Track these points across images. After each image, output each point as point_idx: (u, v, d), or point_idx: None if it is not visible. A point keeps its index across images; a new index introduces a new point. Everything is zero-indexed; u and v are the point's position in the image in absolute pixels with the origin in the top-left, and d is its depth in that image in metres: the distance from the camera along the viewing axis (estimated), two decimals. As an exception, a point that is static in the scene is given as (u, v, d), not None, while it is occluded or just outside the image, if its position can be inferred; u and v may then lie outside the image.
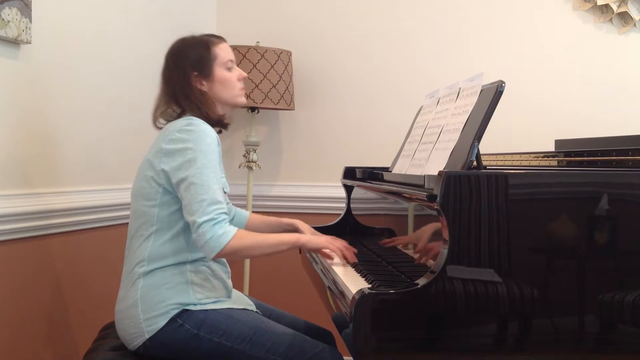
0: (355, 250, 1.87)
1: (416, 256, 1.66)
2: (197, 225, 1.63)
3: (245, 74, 1.89)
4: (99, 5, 2.31)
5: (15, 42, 1.90)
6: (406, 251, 1.77)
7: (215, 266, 1.80)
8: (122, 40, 2.45)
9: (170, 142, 1.70)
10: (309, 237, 1.84)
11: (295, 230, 2.06)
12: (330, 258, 1.87)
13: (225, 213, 1.68)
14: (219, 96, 1.84)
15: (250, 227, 2.10)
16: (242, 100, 1.89)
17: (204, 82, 1.82)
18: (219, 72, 1.83)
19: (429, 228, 1.55)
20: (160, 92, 1.86)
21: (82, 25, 2.22)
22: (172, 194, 1.72)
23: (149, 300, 1.69)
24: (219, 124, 1.86)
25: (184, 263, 1.73)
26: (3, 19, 1.81)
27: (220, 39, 1.87)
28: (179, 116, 1.82)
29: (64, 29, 2.13)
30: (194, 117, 1.75)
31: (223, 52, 1.84)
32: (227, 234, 1.64)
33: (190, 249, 1.73)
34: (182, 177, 1.67)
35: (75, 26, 2.18)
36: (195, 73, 1.81)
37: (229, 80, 1.84)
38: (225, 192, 1.78)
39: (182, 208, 1.70)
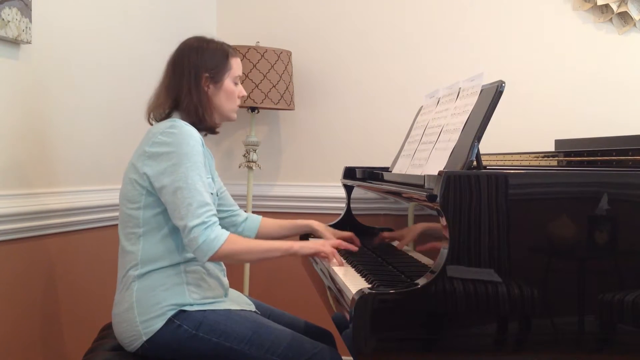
0: (353, 247, 1.86)
1: (414, 252, 1.66)
2: (189, 229, 1.62)
3: (245, 93, 1.92)
4: (99, 5, 2.31)
5: (15, 42, 1.90)
6: (406, 251, 1.77)
7: (210, 265, 1.79)
8: (122, 40, 2.45)
9: (153, 145, 1.70)
10: (302, 244, 1.83)
11: (312, 231, 2.07)
12: (327, 261, 1.86)
13: (215, 215, 1.67)
14: (218, 105, 1.84)
15: (263, 231, 2.08)
16: (234, 116, 1.91)
17: (211, 87, 1.82)
18: (228, 83, 1.84)
19: (427, 225, 1.55)
20: (161, 84, 1.85)
21: (82, 25, 2.22)
22: (155, 196, 1.70)
23: (145, 303, 1.69)
24: (209, 130, 1.86)
25: (178, 264, 1.73)
26: (3, 19, 1.81)
27: (237, 52, 1.91)
28: (166, 117, 1.81)
29: (64, 29, 2.13)
30: (177, 119, 1.74)
31: (236, 66, 1.87)
32: (219, 237, 1.63)
33: (181, 250, 1.73)
34: (166, 181, 1.66)
35: (75, 26, 2.18)
36: (207, 75, 1.81)
37: (232, 94, 1.86)
38: (211, 194, 1.76)
39: (166, 210, 1.69)
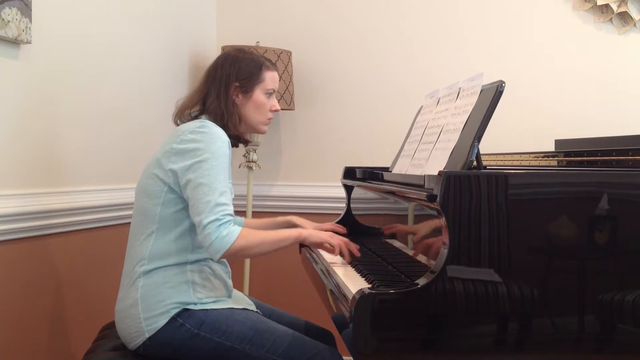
0: (357, 247, 1.87)
1: (414, 252, 1.66)
2: (203, 226, 1.63)
3: (278, 107, 1.93)
4: (99, 5, 2.31)
5: (15, 42, 1.90)
6: (406, 251, 1.77)
7: (215, 266, 1.80)
8: (122, 40, 2.45)
9: (181, 142, 1.72)
10: (311, 231, 1.84)
11: (292, 226, 2.07)
12: (332, 253, 1.87)
13: (231, 215, 1.68)
14: (246, 116, 1.87)
15: None
16: (264, 129, 1.93)
17: (240, 96, 1.85)
18: (258, 94, 1.86)
19: (429, 224, 1.55)
20: (194, 89, 1.89)
21: (82, 25, 2.22)
22: (177, 193, 1.72)
23: (149, 300, 1.69)
24: (234, 138, 1.88)
25: (185, 263, 1.73)
26: (3, 19, 1.81)
27: (274, 67, 1.92)
28: (194, 119, 1.83)
29: (64, 29, 2.13)
30: (207, 120, 1.76)
31: (270, 79, 1.88)
32: (231, 234, 1.64)
33: (193, 250, 1.74)
34: (190, 177, 1.67)
35: (75, 26, 2.18)
36: (237, 84, 1.84)
37: (262, 106, 1.88)
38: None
39: (186, 208, 1.70)
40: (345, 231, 2.12)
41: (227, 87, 1.83)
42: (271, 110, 1.90)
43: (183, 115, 1.86)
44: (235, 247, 1.64)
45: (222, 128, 1.77)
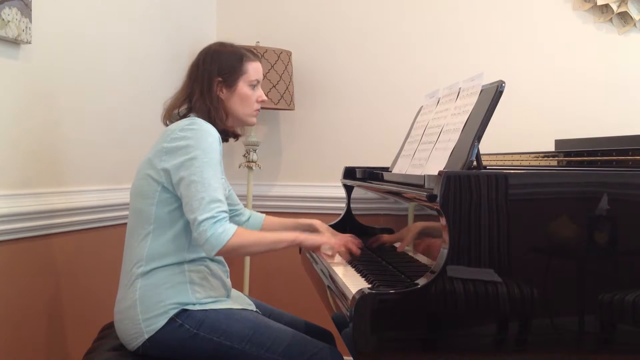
0: (358, 242, 1.86)
1: (414, 252, 1.66)
2: (198, 223, 1.63)
3: (265, 97, 1.92)
4: (99, 5, 2.31)
5: (15, 42, 1.90)
6: (406, 251, 1.77)
7: (213, 265, 1.80)
8: (122, 40, 2.45)
9: (172, 140, 1.71)
10: (307, 235, 1.84)
11: (314, 230, 2.07)
12: (330, 259, 1.86)
13: (226, 211, 1.68)
14: (232, 109, 1.86)
15: (266, 230, 2.10)
16: (253, 120, 1.91)
17: (224, 91, 1.84)
18: (242, 87, 1.85)
19: (429, 224, 1.55)
20: (180, 87, 1.88)
21: (82, 25, 2.22)
22: (171, 192, 1.72)
23: (148, 301, 1.69)
24: (223, 133, 1.88)
25: (182, 263, 1.73)
26: (3, 19, 1.81)
27: (256, 57, 1.91)
28: (182, 118, 1.82)
29: (64, 29, 2.13)
30: (196, 118, 1.76)
31: (253, 70, 1.87)
32: (227, 231, 1.64)
33: (189, 249, 1.74)
34: (182, 175, 1.67)
35: (75, 26, 2.18)
36: (220, 79, 1.83)
37: (247, 98, 1.86)
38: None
39: (181, 206, 1.70)
40: (362, 245, 2.02)
41: (210, 83, 1.82)
42: (257, 101, 1.89)
43: (172, 115, 1.86)
44: (230, 245, 1.64)
45: (211, 124, 1.76)
